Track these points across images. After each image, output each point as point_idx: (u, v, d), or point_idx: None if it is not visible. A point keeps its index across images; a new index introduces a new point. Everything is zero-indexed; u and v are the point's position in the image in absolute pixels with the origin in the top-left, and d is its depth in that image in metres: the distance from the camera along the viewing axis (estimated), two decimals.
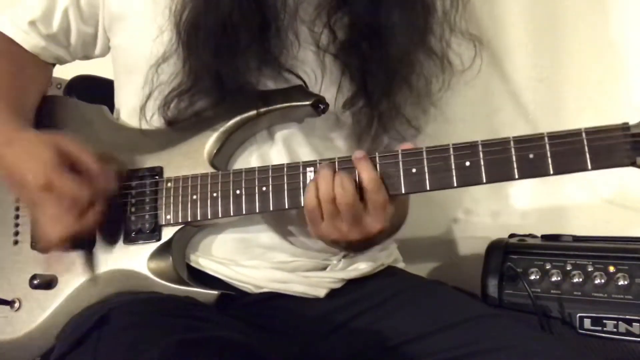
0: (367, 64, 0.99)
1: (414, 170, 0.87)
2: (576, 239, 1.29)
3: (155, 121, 1.01)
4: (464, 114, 1.42)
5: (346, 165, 0.89)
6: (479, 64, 1.06)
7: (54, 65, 1.18)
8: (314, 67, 1.01)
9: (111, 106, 1.14)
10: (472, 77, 1.06)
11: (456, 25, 1.04)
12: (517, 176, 0.83)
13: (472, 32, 1.06)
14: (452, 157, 0.85)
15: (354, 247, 0.94)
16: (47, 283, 1.00)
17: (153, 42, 0.98)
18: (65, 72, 1.27)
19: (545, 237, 1.34)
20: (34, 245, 1.03)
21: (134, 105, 1.03)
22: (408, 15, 0.99)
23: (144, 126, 1.02)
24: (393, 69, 1.00)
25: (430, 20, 1.02)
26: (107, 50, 1.13)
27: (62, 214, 0.91)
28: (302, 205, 0.91)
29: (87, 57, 1.18)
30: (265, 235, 1.01)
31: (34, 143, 0.95)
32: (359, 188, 0.87)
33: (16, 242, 1.05)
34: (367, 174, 0.87)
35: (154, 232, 0.98)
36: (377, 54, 0.99)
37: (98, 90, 1.21)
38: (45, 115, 1.10)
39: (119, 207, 1.00)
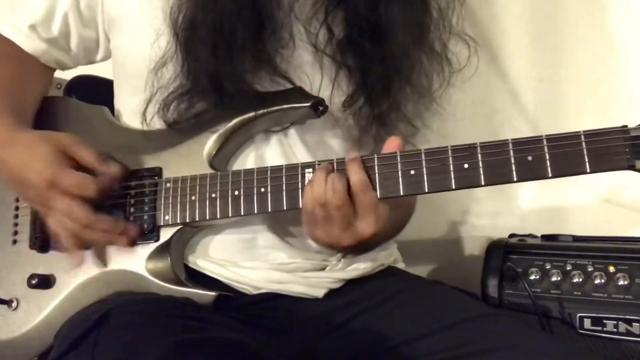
0: (366, 61, 0.99)
1: (412, 172, 0.86)
2: (576, 239, 1.29)
3: (155, 123, 1.01)
4: (464, 114, 1.42)
5: (342, 167, 0.89)
6: (475, 63, 1.06)
7: (54, 70, 1.17)
8: (311, 67, 1.01)
9: (111, 106, 1.14)
10: (469, 75, 1.06)
11: (452, 25, 1.04)
12: (515, 179, 0.83)
13: (467, 33, 1.06)
14: (450, 159, 0.85)
15: (350, 251, 0.94)
16: (45, 282, 1.00)
17: (151, 46, 0.98)
18: (65, 72, 1.27)
19: (545, 237, 1.34)
20: (32, 245, 1.03)
21: (134, 106, 1.03)
22: (407, 11, 0.99)
23: (144, 128, 1.02)
24: (393, 65, 0.99)
25: (428, 17, 1.02)
26: (109, 54, 1.13)
27: (72, 209, 0.91)
28: (301, 206, 0.91)
29: (91, 62, 1.18)
30: (264, 236, 1.01)
31: (34, 142, 0.95)
32: (349, 190, 0.87)
33: (15, 242, 1.05)
34: (354, 175, 0.87)
35: (153, 232, 0.98)
36: (376, 50, 0.98)
37: (98, 91, 1.21)
38: (45, 115, 1.10)
39: (118, 207, 1.00)
